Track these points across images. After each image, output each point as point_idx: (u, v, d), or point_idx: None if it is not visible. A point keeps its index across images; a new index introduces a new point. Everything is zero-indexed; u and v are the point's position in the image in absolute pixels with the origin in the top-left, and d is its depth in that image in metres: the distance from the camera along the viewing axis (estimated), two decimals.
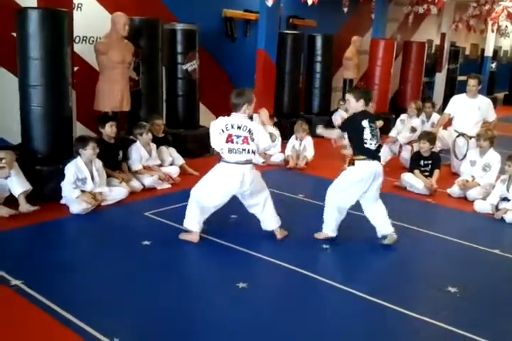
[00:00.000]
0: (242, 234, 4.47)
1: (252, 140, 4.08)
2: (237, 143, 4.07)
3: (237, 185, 4.15)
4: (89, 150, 4.94)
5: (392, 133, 7.46)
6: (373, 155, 4.26)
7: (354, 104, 4.33)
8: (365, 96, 4.31)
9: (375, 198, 4.42)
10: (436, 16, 13.00)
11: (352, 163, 4.28)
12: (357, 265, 4.08)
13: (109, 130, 5.52)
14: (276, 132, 4.28)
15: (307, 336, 3.06)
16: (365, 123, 4.22)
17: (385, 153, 7.27)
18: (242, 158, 4.11)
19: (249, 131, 4.07)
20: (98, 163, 5.13)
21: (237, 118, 4.10)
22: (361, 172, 4.25)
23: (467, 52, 16.56)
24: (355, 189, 4.29)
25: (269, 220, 4.44)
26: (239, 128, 4.06)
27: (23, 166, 4.87)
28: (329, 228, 4.45)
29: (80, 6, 6.56)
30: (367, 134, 4.20)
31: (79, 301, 3.29)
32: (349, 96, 4.37)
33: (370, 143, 4.21)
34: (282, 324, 3.16)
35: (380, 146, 4.34)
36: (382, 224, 4.44)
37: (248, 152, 4.10)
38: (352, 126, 4.31)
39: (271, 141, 4.17)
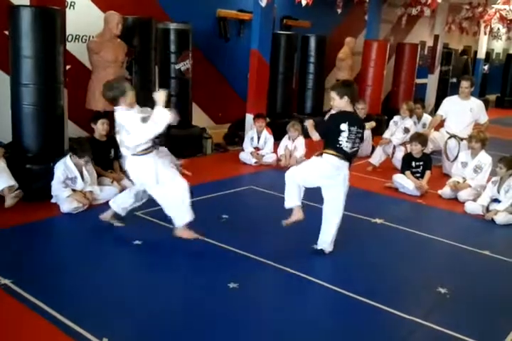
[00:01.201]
0: (233, 234, 4.47)
1: (127, 132, 4.04)
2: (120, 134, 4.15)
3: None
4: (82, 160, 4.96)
5: (386, 135, 7.48)
6: (346, 156, 4.01)
7: (338, 102, 4.04)
8: (349, 93, 4.00)
9: (339, 207, 4.19)
10: (430, 18, 13.04)
11: (320, 154, 4.08)
12: (346, 265, 4.09)
13: (101, 127, 5.50)
14: (162, 113, 4.08)
15: (296, 336, 3.06)
16: (343, 126, 3.93)
17: (378, 155, 7.33)
18: (123, 151, 4.17)
19: (120, 124, 4.10)
20: (89, 165, 5.10)
21: (117, 112, 4.14)
22: (325, 166, 4.04)
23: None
24: (315, 178, 4.12)
25: None
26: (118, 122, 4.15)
27: (13, 164, 4.85)
28: (293, 198, 4.17)
29: (72, 4, 6.53)
30: (343, 138, 3.93)
31: (68, 301, 3.28)
32: (333, 94, 4.06)
33: (346, 146, 3.95)
34: (272, 324, 3.16)
35: (356, 151, 4.11)
36: (329, 240, 4.21)
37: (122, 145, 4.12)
38: (327, 129, 4.08)
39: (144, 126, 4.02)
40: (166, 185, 4.12)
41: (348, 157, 4.03)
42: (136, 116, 4.07)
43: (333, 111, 4.34)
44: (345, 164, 4.04)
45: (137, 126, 4.01)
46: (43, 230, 4.48)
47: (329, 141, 4.03)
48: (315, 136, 4.17)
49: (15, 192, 4.69)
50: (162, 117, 4.03)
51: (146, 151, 4.13)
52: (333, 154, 3.99)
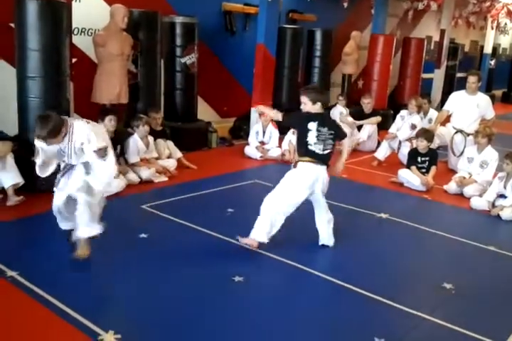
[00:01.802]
0: (238, 227, 4.46)
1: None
2: None
3: None
4: None
5: (392, 130, 7.44)
6: (320, 158, 3.96)
7: (310, 107, 3.97)
8: (323, 100, 4.01)
9: (324, 206, 4.17)
10: (436, 12, 12.95)
11: (295, 165, 4.03)
12: (352, 260, 4.08)
13: (109, 124, 5.50)
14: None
15: (300, 330, 3.06)
16: (312, 125, 3.91)
17: (384, 149, 7.30)
18: None
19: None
20: None
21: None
22: (305, 177, 3.96)
23: (466, 48, 16.54)
24: (299, 195, 3.96)
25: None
26: None
27: (19, 157, 4.86)
28: (262, 233, 3.95)
29: None
30: (311, 137, 3.90)
31: (74, 292, 3.29)
32: (305, 99, 3.97)
33: (317, 148, 3.92)
34: (277, 318, 3.17)
35: (331, 153, 4.04)
36: (327, 235, 4.21)
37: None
38: (296, 123, 4.12)
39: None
40: None
41: (323, 160, 3.99)
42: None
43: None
44: (322, 168, 4.00)
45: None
46: (48, 222, 4.45)
47: (299, 145, 4.03)
48: (275, 115, 4.26)
49: (19, 197, 4.74)
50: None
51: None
52: (308, 161, 3.95)
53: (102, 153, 3.62)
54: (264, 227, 3.92)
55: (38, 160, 3.74)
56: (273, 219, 3.93)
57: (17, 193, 4.80)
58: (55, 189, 3.86)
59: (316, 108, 3.96)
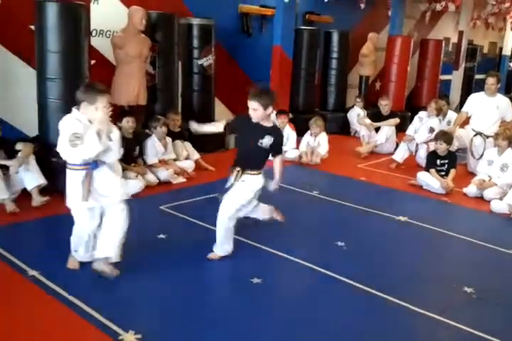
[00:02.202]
0: (255, 229, 4.45)
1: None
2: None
3: None
4: None
5: (410, 131, 7.37)
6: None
7: (261, 114, 3.60)
8: (273, 104, 3.61)
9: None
10: (454, 14, 12.86)
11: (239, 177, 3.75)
12: (372, 263, 4.04)
13: (127, 125, 5.53)
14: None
15: (319, 334, 3.04)
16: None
17: (402, 151, 7.25)
18: None
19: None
20: None
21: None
22: (251, 190, 3.79)
23: (485, 50, 16.37)
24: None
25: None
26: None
27: (39, 158, 4.89)
28: (229, 245, 3.93)
29: None
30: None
31: (95, 293, 3.31)
32: (255, 105, 3.56)
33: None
34: (294, 320, 3.15)
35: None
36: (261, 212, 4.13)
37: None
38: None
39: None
40: None
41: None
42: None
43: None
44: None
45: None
46: (69, 222, 4.48)
47: (264, 159, 3.81)
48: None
49: (45, 198, 4.75)
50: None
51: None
52: (256, 174, 3.76)
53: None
54: (229, 237, 3.91)
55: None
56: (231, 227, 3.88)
57: (40, 194, 4.82)
58: (81, 206, 3.44)
59: (269, 113, 3.64)
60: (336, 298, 3.47)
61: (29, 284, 3.35)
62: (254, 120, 3.64)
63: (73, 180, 3.41)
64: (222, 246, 3.89)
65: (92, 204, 3.43)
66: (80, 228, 3.53)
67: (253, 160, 3.76)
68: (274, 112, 7.49)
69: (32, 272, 3.48)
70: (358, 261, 4.04)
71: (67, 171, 3.44)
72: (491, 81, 6.87)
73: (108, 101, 3.39)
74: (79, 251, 3.59)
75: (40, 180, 4.78)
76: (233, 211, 3.78)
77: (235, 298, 3.40)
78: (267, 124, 3.69)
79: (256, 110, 3.58)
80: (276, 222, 4.24)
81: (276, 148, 3.76)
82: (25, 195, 4.80)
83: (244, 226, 4.53)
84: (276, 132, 3.73)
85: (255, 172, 3.74)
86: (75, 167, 3.39)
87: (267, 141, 3.63)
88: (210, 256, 3.90)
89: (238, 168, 3.73)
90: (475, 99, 7.14)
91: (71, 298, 3.19)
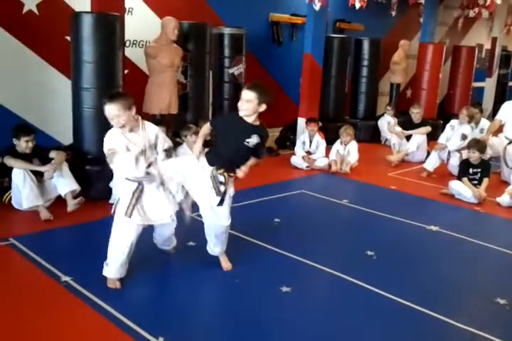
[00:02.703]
0: (285, 238, 4.46)
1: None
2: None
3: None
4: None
5: (441, 140, 7.27)
6: None
7: (253, 108, 3.40)
8: (268, 102, 3.44)
9: None
10: (487, 20, 12.68)
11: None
12: (403, 273, 4.00)
13: None
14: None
15: None
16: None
17: (433, 160, 7.16)
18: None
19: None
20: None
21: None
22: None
23: None
24: None
25: None
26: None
27: (73, 166, 5.01)
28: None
29: (130, 10, 6.71)
30: None
31: (126, 299, 3.36)
32: (250, 95, 3.38)
33: None
34: (324, 329, 3.14)
35: None
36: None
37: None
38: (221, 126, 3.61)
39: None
40: None
41: None
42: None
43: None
44: None
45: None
46: (101, 229, 4.55)
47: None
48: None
49: (77, 199, 4.83)
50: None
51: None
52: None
53: (170, 154, 3.51)
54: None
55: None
56: None
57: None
58: (125, 219, 3.40)
59: (261, 110, 3.44)
60: (365, 308, 3.44)
61: (62, 290, 3.42)
62: (242, 113, 3.41)
63: (125, 190, 3.43)
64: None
65: (137, 221, 3.40)
66: (116, 241, 3.46)
67: (237, 160, 3.54)
68: (304, 120, 7.55)
69: (65, 278, 3.55)
70: (388, 271, 4.00)
71: (123, 179, 3.46)
72: None
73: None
74: (110, 265, 3.47)
75: (74, 186, 4.89)
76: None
77: (264, 306, 3.41)
78: (255, 123, 3.49)
79: (249, 102, 3.37)
80: (304, 229, 4.23)
81: (260, 150, 3.56)
82: (59, 203, 4.90)
83: (273, 234, 4.55)
84: (263, 131, 3.52)
85: (235, 175, 3.58)
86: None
87: (253, 140, 3.43)
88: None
89: (222, 170, 3.52)
90: (509, 106, 7.02)
91: (103, 304, 3.24)
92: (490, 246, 4.60)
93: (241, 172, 3.54)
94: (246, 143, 3.44)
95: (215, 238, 3.76)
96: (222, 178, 3.56)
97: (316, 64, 7.94)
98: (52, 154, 4.89)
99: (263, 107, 3.40)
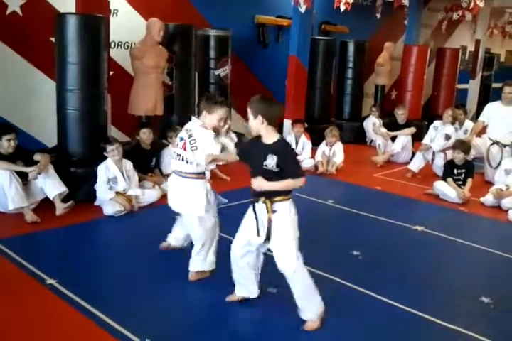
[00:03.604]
0: None
1: (192, 148, 3.39)
2: (177, 145, 3.52)
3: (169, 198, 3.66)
4: (109, 153, 5.03)
5: (426, 140, 7.35)
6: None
7: (254, 124, 3.03)
8: (265, 113, 2.98)
9: None
10: (471, 22, 12.81)
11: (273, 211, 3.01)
12: (388, 273, 4.02)
13: (144, 137, 5.64)
14: (231, 147, 3.41)
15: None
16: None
17: (418, 161, 7.23)
18: (178, 166, 3.49)
19: (191, 135, 3.41)
20: (128, 164, 5.20)
21: (192, 122, 3.48)
22: (292, 219, 3.09)
23: (502, 58, 16.27)
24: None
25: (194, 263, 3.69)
26: (186, 130, 3.49)
27: (58, 168, 4.96)
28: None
29: (115, 12, 6.68)
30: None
31: (112, 301, 3.34)
32: (248, 112, 3.05)
33: None
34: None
35: None
36: None
37: (182, 159, 3.44)
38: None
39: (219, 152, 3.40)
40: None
41: None
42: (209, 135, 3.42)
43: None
44: None
45: (212, 144, 3.41)
46: (87, 232, 4.58)
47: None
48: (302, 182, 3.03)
49: (68, 203, 4.80)
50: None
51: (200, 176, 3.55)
52: (289, 198, 3.09)
53: None
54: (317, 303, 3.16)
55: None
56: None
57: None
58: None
59: (257, 123, 3.01)
60: (349, 307, 3.46)
61: (46, 292, 3.39)
62: (253, 133, 3.13)
63: (199, 188, 3.50)
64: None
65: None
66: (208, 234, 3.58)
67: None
68: (290, 121, 7.57)
69: (50, 281, 3.52)
70: (373, 271, 4.02)
71: (189, 181, 3.48)
72: (507, 90, 6.84)
73: (225, 113, 3.42)
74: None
75: (62, 188, 4.85)
76: (296, 251, 3.08)
77: (251, 307, 3.40)
78: (269, 141, 3.02)
79: (249, 119, 3.06)
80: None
81: (286, 170, 2.96)
82: (44, 205, 4.86)
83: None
84: (278, 148, 2.98)
85: (283, 197, 3.03)
86: (201, 176, 3.51)
87: (270, 161, 2.94)
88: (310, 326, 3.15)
89: (262, 198, 3.02)
90: (491, 108, 7.11)
91: (88, 306, 3.22)
92: (474, 246, 4.65)
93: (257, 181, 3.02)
94: (265, 167, 2.97)
95: None
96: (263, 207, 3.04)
97: (302, 66, 7.97)
98: (37, 157, 4.83)
99: (260, 119, 2.97)
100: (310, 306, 3.12)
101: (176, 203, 3.58)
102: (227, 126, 3.46)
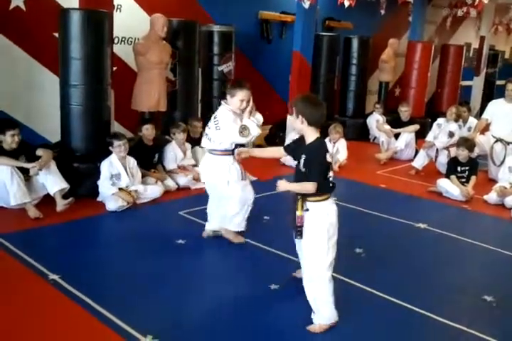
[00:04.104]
0: (274, 235, 4.46)
1: (216, 128, 3.96)
2: (208, 127, 4.10)
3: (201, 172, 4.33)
4: (116, 148, 5.05)
5: (429, 138, 7.33)
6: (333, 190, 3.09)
7: (293, 121, 3.06)
8: (308, 114, 2.96)
9: None
10: (476, 19, 12.76)
11: (306, 209, 3.00)
12: (391, 271, 4.01)
13: (146, 133, 5.63)
14: (253, 127, 3.93)
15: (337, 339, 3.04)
16: (328, 156, 3.01)
17: (421, 158, 7.21)
18: (205, 144, 4.13)
19: (215, 116, 4.01)
20: (132, 162, 5.21)
21: (221, 106, 4.07)
22: (332, 219, 3.05)
23: (507, 55, 16.21)
24: (333, 244, 3.07)
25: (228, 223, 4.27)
26: (215, 113, 4.09)
27: (61, 164, 4.97)
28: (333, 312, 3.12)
29: (119, 7, 6.67)
30: (330, 171, 3.04)
31: (114, 297, 3.35)
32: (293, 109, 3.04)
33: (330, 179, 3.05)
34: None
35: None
36: None
37: (208, 138, 4.05)
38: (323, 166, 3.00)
39: (239, 134, 3.89)
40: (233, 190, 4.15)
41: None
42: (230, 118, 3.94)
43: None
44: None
45: (232, 127, 3.91)
46: (89, 227, 4.59)
47: (320, 182, 2.96)
48: (313, 187, 2.92)
49: (68, 199, 4.79)
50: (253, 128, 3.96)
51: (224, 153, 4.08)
52: (326, 198, 3.03)
53: None
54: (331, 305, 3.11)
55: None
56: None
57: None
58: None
59: (299, 123, 3.02)
60: (354, 305, 3.45)
61: (49, 288, 3.40)
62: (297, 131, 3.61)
63: (223, 162, 4.07)
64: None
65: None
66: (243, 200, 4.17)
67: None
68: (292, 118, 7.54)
69: (53, 276, 3.53)
70: (377, 268, 4.02)
71: (215, 157, 4.08)
72: (511, 87, 6.81)
73: (246, 95, 3.91)
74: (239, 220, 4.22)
75: (63, 184, 4.85)
76: (322, 257, 3.02)
77: (251, 302, 3.41)
78: (308, 141, 3.04)
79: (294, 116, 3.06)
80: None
81: (308, 171, 2.95)
82: (47, 200, 4.86)
83: (261, 232, 4.55)
84: (310, 150, 2.99)
85: (316, 198, 3.00)
86: (226, 152, 4.05)
87: (301, 161, 2.99)
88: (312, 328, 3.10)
89: (299, 196, 3.01)
90: (495, 105, 7.08)
91: (90, 301, 3.23)
92: (477, 244, 4.64)
93: (279, 182, 3.08)
94: (298, 167, 3.04)
95: None
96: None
97: (305, 62, 7.95)
98: (39, 152, 4.83)
99: (300, 119, 2.97)
100: (318, 312, 3.10)
101: (206, 175, 4.20)
102: (249, 108, 3.96)
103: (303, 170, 2.98)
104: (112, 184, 4.99)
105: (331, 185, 3.02)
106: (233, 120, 3.91)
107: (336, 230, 3.06)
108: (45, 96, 6.02)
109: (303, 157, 2.98)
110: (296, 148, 3.16)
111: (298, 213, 3.00)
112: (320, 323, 3.09)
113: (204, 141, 4.11)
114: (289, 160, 7.11)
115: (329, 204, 3.05)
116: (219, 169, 4.07)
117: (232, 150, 4.02)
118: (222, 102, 4.02)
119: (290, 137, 7.40)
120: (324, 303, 3.07)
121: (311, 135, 3.02)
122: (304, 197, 2.98)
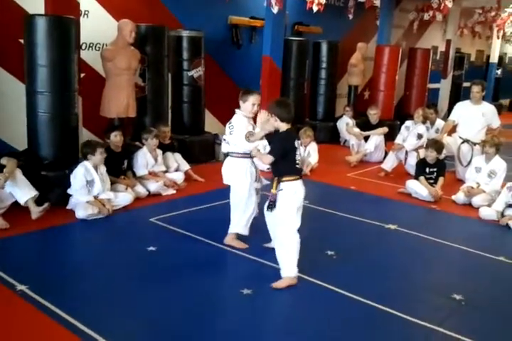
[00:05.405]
0: (247, 240, 4.46)
1: (230, 133, 4.21)
2: (225, 133, 4.36)
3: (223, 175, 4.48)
4: (98, 156, 4.98)
5: (398, 140, 7.45)
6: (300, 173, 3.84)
7: (273, 123, 3.75)
8: (279, 113, 3.71)
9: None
10: (442, 23, 13.01)
11: (278, 189, 3.70)
12: (362, 272, 4.06)
13: (115, 139, 5.56)
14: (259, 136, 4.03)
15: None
16: (297, 143, 3.76)
17: (391, 160, 7.31)
18: (224, 147, 4.38)
19: (230, 122, 4.25)
20: (103, 168, 5.16)
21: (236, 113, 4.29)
22: (299, 196, 3.74)
23: (472, 58, 16.56)
24: (298, 212, 3.77)
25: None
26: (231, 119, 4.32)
27: (28, 172, 4.88)
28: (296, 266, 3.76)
29: (86, 13, 6.60)
30: (297, 155, 3.75)
31: (83, 306, 3.30)
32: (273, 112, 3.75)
33: (299, 163, 3.80)
34: (285, 330, 3.16)
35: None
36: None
37: (226, 141, 4.33)
38: (284, 149, 3.71)
39: (245, 139, 4.06)
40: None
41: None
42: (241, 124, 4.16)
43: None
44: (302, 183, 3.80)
45: (240, 133, 4.11)
46: (59, 236, 4.52)
47: (286, 165, 3.71)
48: (268, 159, 3.70)
49: (43, 206, 4.69)
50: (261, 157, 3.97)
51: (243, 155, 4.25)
52: (295, 179, 3.71)
53: None
54: (295, 261, 3.76)
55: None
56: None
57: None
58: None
59: (279, 123, 3.73)
60: (325, 306, 3.48)
61: (17, 299, 3.34)
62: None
63: (239, 164, 4.27)
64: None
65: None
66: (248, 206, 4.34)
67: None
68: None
69: (20, 287, 3.47)
70: (348, 270, 4.06)
71: (233, 159, 4.29)
72: (475, 89, 6.96)
73: (258, 100, 4.19)
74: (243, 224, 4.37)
75: (32, 192, 4.73)
76: (293, 223, 3.74)
77: (223, 306, 3.40)
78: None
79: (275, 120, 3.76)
80: (265, 230, 4.23)
81: (270, 148, 3.83)
82: (14, 210, 4.75)
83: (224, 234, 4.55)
84: (278, 134, 3.80)
85: (288, 178, 3.70)
86: (244, 155, 4.24)
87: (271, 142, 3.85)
88: (277, 284, 3.69)
89: (275, 178, 3.74)
90: (461, 107, 7.23)
91: (59, 311, 3.18)
92: (446, 243, 4.72)
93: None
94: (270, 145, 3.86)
95: None
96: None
97: (275, 66, 7.99)
98: (3, 161, 4.69)
99: (274, 118, 3.72)
100: (285, 267, 3.72)
101: (224, 176, 4.40)
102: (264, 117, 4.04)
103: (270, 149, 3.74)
104: (88, 191, 4.92)
105: (298, 167, 3.78)
106: (245, 126, 4.15)
107: (301, 204, 3.76)
108: (11, 104, 5.91)
109: (272, 140, 3.79)
110: (271, 135, 3.87)
111: (272, 191, 3.70)
112: (286, 276, 3.69)
113: (223, 146, 4.39)
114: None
115: (298, 184, 3.73)
116: (236, 171, 4.30)
117: (250, 154, 4.20)
118: (236, 111, 4.26)
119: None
120: (291, 259, 3.71)
121: (283, 128, 3.76)
122: (280, 178, 3.69)
